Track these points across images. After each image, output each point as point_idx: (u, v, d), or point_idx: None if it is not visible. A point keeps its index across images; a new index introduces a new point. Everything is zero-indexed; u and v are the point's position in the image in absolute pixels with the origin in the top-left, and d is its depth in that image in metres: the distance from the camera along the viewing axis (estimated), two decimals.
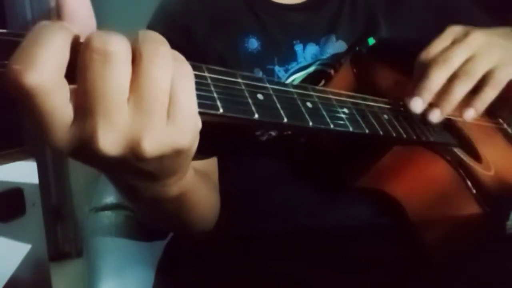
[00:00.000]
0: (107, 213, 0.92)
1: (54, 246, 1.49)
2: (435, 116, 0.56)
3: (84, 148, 0.31)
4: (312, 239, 0.65)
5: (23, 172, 1.17)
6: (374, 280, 0.61)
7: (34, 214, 1.20)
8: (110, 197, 0.93)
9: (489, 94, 0.56)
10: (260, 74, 0.67)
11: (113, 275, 0.83)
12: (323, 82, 0.68)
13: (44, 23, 0.29)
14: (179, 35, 0.68)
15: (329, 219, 0.64)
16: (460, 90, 0.55)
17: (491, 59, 0.55)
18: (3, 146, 0.32)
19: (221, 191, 0.66)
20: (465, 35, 0.56)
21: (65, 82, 0.29)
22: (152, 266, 0.81)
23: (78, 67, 0.29)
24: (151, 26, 0.71)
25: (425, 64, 0.56)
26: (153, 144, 0.31)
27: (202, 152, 0.35)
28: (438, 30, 0.59)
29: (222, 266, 0.68)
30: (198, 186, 0.52)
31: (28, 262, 1.15)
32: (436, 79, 0.54)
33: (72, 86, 0.29)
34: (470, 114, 0.58)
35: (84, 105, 0.29)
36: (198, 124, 0.33)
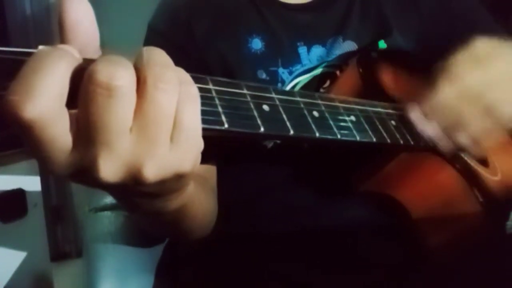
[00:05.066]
0: (107, 213, 0.92)
1: (54, 246, 1.49)
2: (414, 115, 0.53)
3: (84, 175, 0.30)
4: (313, 240, 0.65)
5: (25, 173, 1.17)
6: (375, 281, 0.62)
7: (36, 215, 1.20)
8: (110, 197, 0.92)
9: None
10: (263, 75, 0.66)
11: (113, 275, 0.83)
12: (328, 82, 0.66)
13: (45, 49, 0.28)
14: (180, 32, 0.65)
15: (330, 220, 0.64)
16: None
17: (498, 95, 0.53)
18: (5, 146, 0.31)
19: (223, 194, 0.65)
20: (487, 58, 0.54)
21: (65, 111, 0.28)
22: (152, 266, 0.81)
23: (80, 98, 0.28)
24: (154, 22, 0.69)
25: (440, 78, 0.53)
26: (154, 171, 0.30)
27: (203, 159, 0.34)
28: (450, 37, 0.57)
29: (221, 267, 0.68)
30: (198, 196, 0.51)
31: (30, 262, 1.15)
32: (444, 99, 0.52)
33: (72, 112, 0.28)
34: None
35: (85, 134, 0.28)
36: (201, 146, 0.32)
